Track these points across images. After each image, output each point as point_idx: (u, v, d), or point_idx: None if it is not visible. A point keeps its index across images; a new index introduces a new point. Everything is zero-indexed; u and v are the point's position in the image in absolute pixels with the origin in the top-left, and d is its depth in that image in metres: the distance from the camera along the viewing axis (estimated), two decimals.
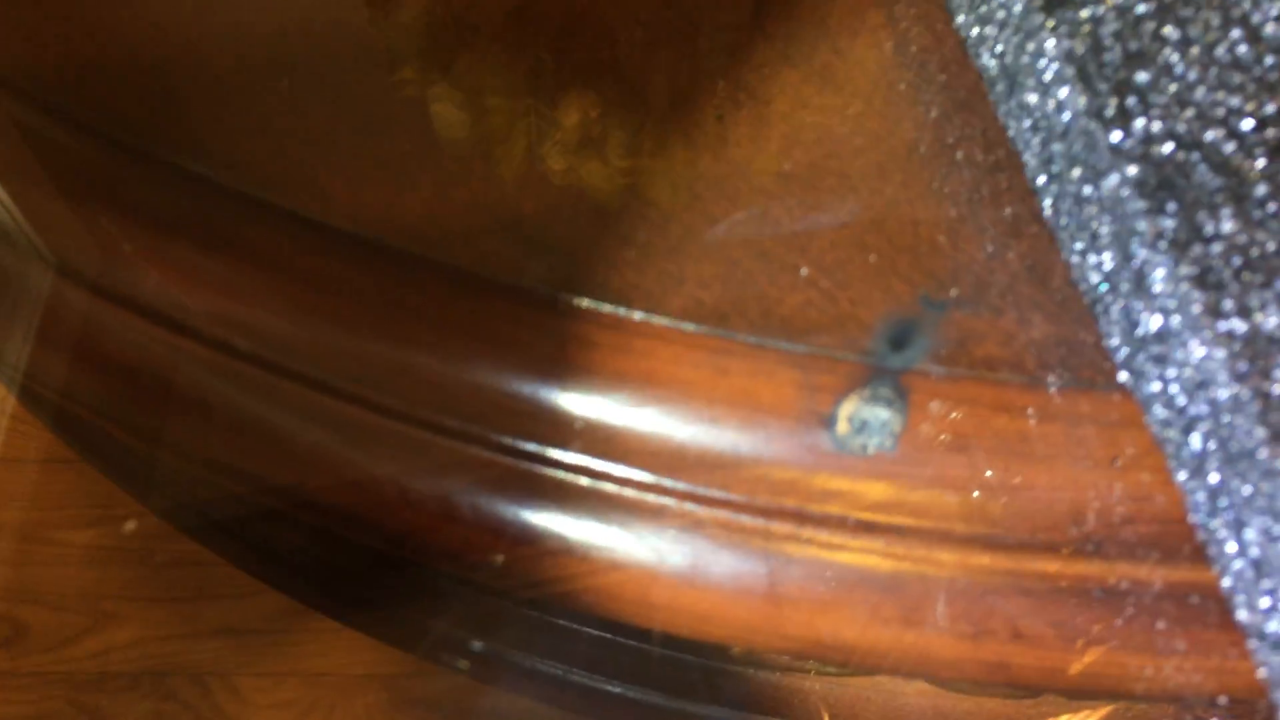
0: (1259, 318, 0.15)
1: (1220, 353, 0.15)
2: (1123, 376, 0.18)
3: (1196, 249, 0.16)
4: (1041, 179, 0.19)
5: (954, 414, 0.19)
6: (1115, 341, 0.18)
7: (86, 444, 0.34)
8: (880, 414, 0.20)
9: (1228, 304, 0.16)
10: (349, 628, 0.37)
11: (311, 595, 0.34)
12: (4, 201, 0.23)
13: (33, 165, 0.22)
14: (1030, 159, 0.19)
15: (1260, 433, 0.15)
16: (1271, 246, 0.16)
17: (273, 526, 0.31)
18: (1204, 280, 0.16)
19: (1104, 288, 0.18)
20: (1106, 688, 0.20)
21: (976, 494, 0.20)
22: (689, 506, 0.20)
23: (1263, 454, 0.15)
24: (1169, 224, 0.16)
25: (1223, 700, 0.18)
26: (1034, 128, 0.19)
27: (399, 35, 0.24)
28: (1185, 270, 0.16)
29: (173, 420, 0.22)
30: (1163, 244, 0.16)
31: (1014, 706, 0.29)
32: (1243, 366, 0.15)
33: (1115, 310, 0.17)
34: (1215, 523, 0.16)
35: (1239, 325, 0.15)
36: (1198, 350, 0.16)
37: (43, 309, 0.23)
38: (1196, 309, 0.16)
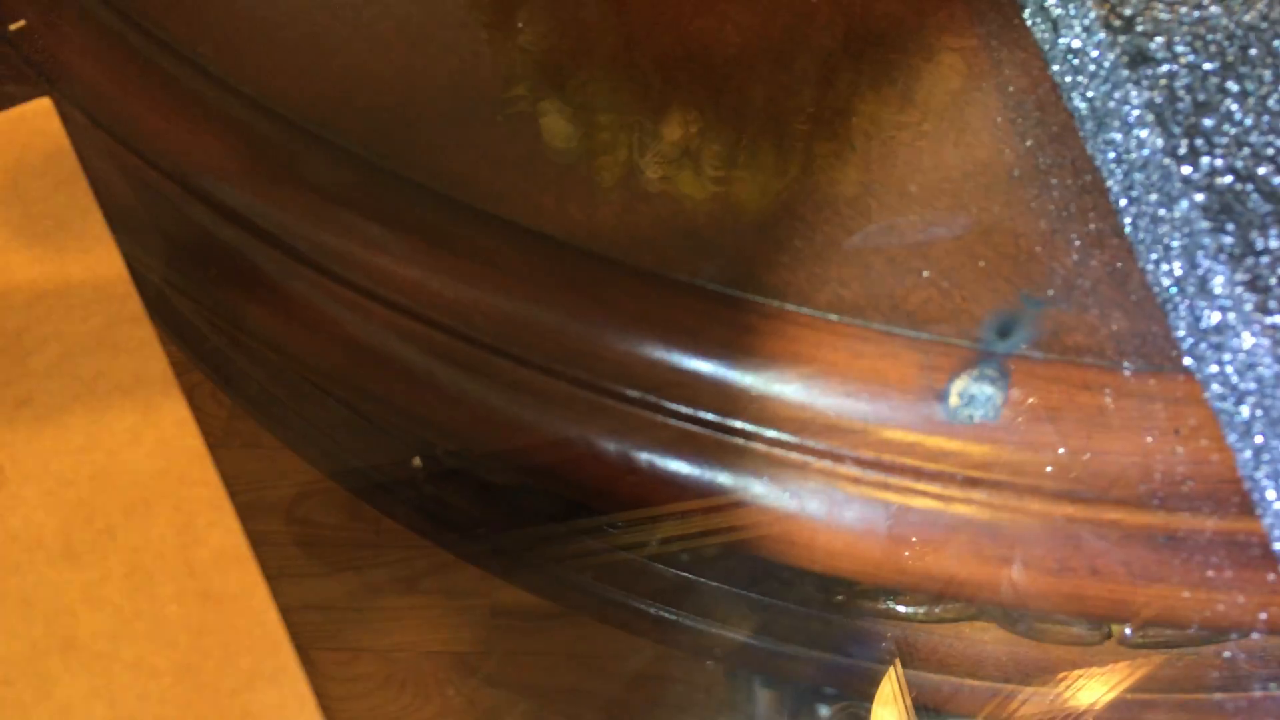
0: None
1: (1266, 341, 0.20)
2: (1187, 361, 0.22)
3: (1249, 260, 0.20)
4: (1123, 202, 0.24)
5: (1046, 391, 0.24)
6: (1181, 333, 0.22)
7: (276, 419, 0.39)
8: (986, 390, 0.24)
9: (1273, 304, 0.20)
10: (492, 575, 0.42)
11: (463, 546, 0.39)
12: (254, 200, 0.28)
13: (293, 174, 0.27)
14: (1113, 185, 0.24)
15: None
16: None
17: (438, 487, 0.36)
18: (1254, 284, 0.20)
19: (1173, 290, 0.22)
20: (1166, 618, 0.24)
21: (1062, 456, 0.24)
22: (826, 463, 0.25)
23: None
24: (1228, 240, 0.21)
25: (1263, 615, 0.22)
26: (1118, 160, 0.23)
27: (516, 56, 0.29)
28: (1240, 277, 0.20)
29: (393, 389, 0.27)
30: (1223, 256, 0.21)
31: (1079, 653, 0.34)
32: None
33: (1182, 308, 0.22)
34: (1259, 474, 0.20)
35: None
36: (1248, 339, 0.20)
37: (282, 293, 0.28)
38: (1248, 307, 0.20)
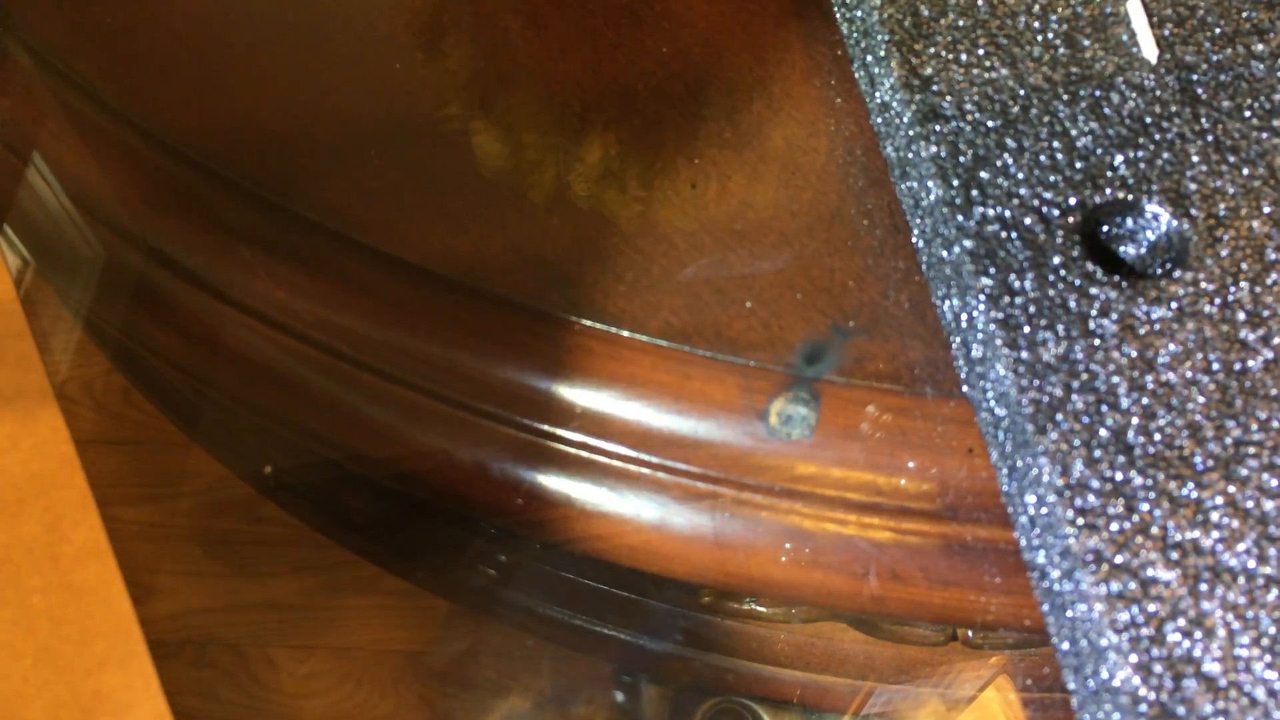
0: (1040, 351, 0.22)
1: (1011, 374, 0.22)
2: (965, 389, 0.25)
3: (1004, 300, 0.23)
4: (920, 243, 0.26)
5: (854, 412, 0.26)
6: (960, 363, 0.25)
7: (190, 422, 0.41)
8: (800, 410, 0.27)
9: (1021, 340, 0.23)
10: (393, 574, 0.44)
11: (365, 546, 0.41)
12: (154, 229, 0.30)
13: (185, 203, 0.29)
14: (913, 228, 0.26)
15: (1030, 428, 0.22)
16: (1058, 300, 0.23)
17: (339, 489, 0.38)
18: (1006, 323, 0.23)
19: (952, 325, 0.25)
20: (955, 617, 0.27)
21: (869, 472, 0.27)
22: (659, 475, 0.27)
23: (1032, 444, 0.22)
24: (988, 283, 0.23)
25: (1028, 621, 0.25)
26: (915, 205, 0.26)
27: (446, 78, 0.31)
28: (994, 315, 0.23)
29: (276, 400, 0.30)
30: (983, 297, 0.23)
31: (928, 653, 0.36)
32: (1025, 383, 0.22)
33: (957, 341, 0.24)
34: (1011, 491, 0.23)
35: (1026, 355, 0.22)
36: (1001, 371, 0.23)
37: (180, 314, 0.30)
38: (999, 343, 0.22)
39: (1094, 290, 0.23)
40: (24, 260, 0.35)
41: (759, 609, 0.36)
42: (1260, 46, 0.25)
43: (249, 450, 0.41)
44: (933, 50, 0.26)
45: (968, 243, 0.23)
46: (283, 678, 0.55)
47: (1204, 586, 0.20)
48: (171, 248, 0.29)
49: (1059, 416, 0.22)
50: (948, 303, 0.25)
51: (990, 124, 0.25)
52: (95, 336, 0.39)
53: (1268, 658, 0.19)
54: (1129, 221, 0.24)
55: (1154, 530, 0.20)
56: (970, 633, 0.35)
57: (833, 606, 0.28)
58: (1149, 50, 0.26)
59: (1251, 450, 0.21)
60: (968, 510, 0.26)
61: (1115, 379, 0.22)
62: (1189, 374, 0.22)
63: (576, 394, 0.27)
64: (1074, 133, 0.25)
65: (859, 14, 0.28)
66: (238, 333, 0.29)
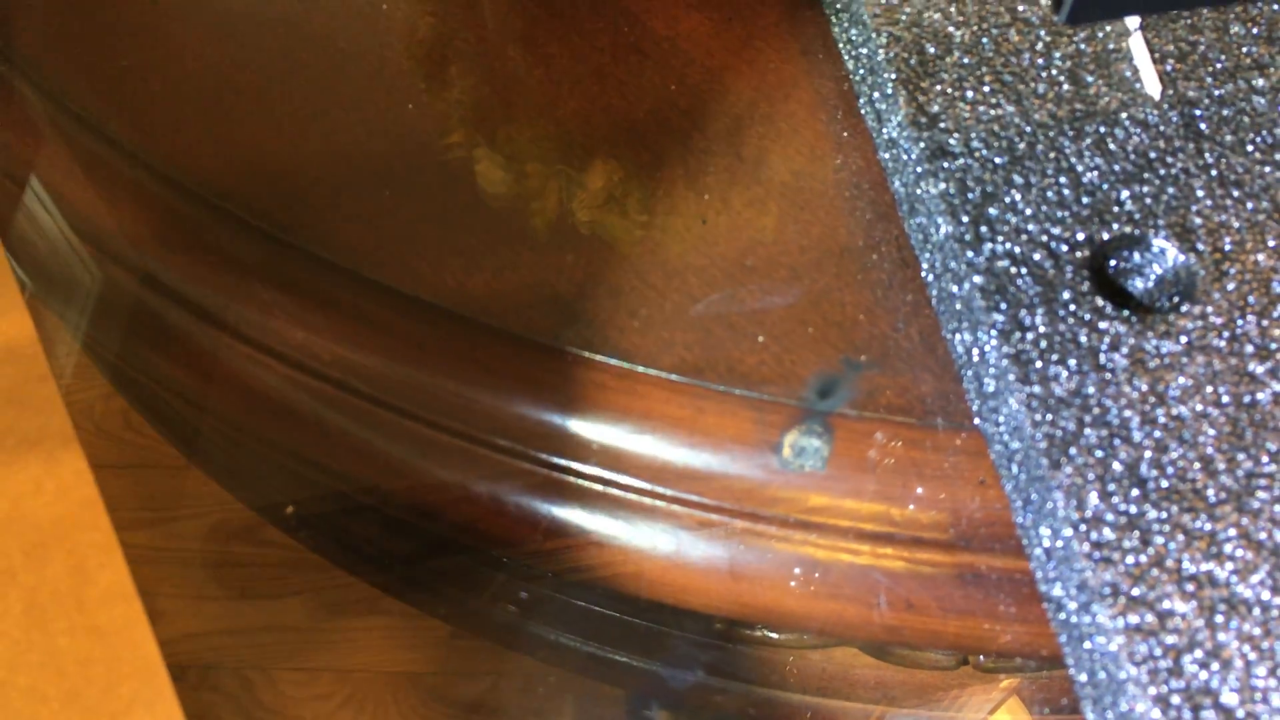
0: (1053, 385, 0.23)
1: (1024, 409, 0.23)
2: (976, 422, 0.25)
3: (1015, 336, 0.23)
4: (929, 278, 0.26)
5: (865, 445, 0.27)
6: (972, 396, 0.25)
7: (192, 447, 0.41)
8: (813, 443, 0.27)
9: (1034, 375, 0.23)
10: (406, 604, 0.44)
11: (378, 577, 0.42)
12: (162, 264, 0.30)
13: (198, 242, 0.30)
14: (924, 262, 0.27)
15: (1044, 462, 0.22)
16: (1069, 335, 0.23)
17: (351, 520, 0.38)
18: (1018, 358, 0.23)
19: (963, 358, 0.25)
20: (970, 646, 0.27)
21: (881, 503, 0.27)
22: (675, 508, 0.28)
23: (1047, 478, 0.22)
24: (999, 318, 0.24)
25: (1044, 651, 0.25)
26: (924, 241, 0.26)
27: (450, 107, 0.32)
28: (1006, 350, 0.23)
29: (292, 436, 0.30)
30: (994, 332, 0.23)
31: (940, 677, 0.36)
32: (1038, 418, 0.22)
33: (969, 374, 0.25)
34: (1026, 523, 0.23)
35: (1039, 390, 0.23)
36: (1015, 406, 0.23)
37: (192, 353, 0.30)
38: (1012, 378, 0.23)
39: (1104, 325, 0.23)
40: (22, 282, 0.35)
41: (772, 635, 0.36)
42: (1261, 81, 0.26)
43: (253, 477, 0.41)
44: (939, 88, 0.26)
45: (978, 278, 0.24)
46: (286, 701, 0.56)
47: (1220, 618, 0.20)
48: (185, 285, 0.30)
49: (1073, 450, 0.22)
50: (959, 337, 0.25)
51: (997, 160, 0.25)
52: (96, 359, 0.39)
53: None
54: (1136, 256, 0.24)
55: (1169, 563, 0.21)
56: (982, 657, 0.35)
57: (847, 636, 0.28)
58: (1152, 86, 0.26)
59: (1263, 482, 0.21)
60: (980, 540, 0.26)
61: (1127, 413, 0.22)
62: (1199, 407, 0.22)
63: (592, 429, 0.27)
64: (1080, 168, 0.25)
65: (864, 51, 0.28)
66: (253, 369, 0.29)
